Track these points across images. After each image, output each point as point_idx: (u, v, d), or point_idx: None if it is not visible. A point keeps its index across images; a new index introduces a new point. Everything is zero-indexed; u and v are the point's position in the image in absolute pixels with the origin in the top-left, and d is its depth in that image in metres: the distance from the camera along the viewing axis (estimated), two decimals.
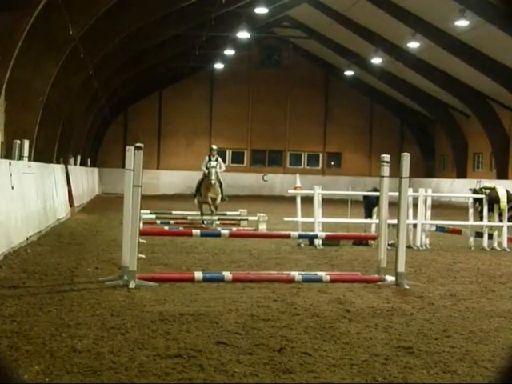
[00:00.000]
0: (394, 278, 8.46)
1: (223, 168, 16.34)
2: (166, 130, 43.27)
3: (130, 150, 8.05)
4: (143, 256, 9.71)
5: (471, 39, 29.29)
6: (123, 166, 8.23)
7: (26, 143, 13.86)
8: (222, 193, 15.95)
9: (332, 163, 45.44)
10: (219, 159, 16.30)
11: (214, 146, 16.70)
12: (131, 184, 7.92)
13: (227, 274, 8.38)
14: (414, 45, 30.40)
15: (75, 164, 25.68)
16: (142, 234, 9.06)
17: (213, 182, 15.52)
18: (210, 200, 15.76)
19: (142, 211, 13.00)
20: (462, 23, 26.29)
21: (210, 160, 16.03)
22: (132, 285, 7.66)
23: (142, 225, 12.17)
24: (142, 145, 7.97)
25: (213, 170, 15.66)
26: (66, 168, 20.19)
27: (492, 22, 26.23)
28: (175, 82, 42.72)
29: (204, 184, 15.90)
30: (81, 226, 15.63)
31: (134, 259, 7.82)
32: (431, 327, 6.15)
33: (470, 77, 33.36)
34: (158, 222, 15.56)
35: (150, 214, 15.94)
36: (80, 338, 5.34)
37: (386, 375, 4.66)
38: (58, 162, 20.98)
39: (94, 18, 18.07)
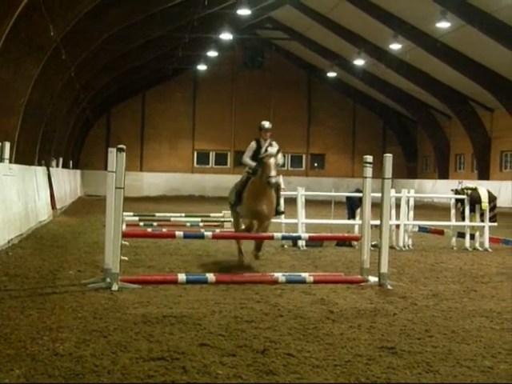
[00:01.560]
0: (377, 279, 8.49)
1: (282, 159, 9.87)
2: (149, 132, 43.13)
3: (112, 151, 8.01)
4: (126, 258, 9.68)
5: (452, 41, 29.52)
6: (106, 168, 8.18)
7: (7, 145, 13.73)
8: (278, 202, 9.96)
9: (315, 164, 45.55)
10: (275, 145, 9.90)
11: (267, 124, 10.00)
12: (114, 186, 7.88)
13: (210, 276, 8.37)
14: (395, 46, 30.56)
15: (57, 166, 25.50)
16: (125, 236, 9.01)
17: (273, 180, 9.11)
18: (256, 219, 9.72)
19: (125, 213, 12.97)
20: (444, 25, 26.48)
21: (259, 147, 9.87)
22: (115, 287, 7.62)
23: (124, 227, 12.13)
24: (124, 146, 7.93)
25: (271, 161, 9.20)
26: (48, 170, 20.04)
27: (472, 24, 26.44)
28: (158, 84, 42.62)
29: (252, 186, 9.57)
30: (63, 229, 15.52)
31: (117, 261, 7.78)
32: (414, 327, 6.18)
33: (451, 78, 33.60)
34: (142, 224, 15.47)
35: (133, 216, 15.86)
36: (62, 342, 5.29)
37: (369, 375, 4.67)
38: (39, 164, 20.82)
39: (76, 20, 17.96)
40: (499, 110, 33.53)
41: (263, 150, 9.67)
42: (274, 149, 9.65)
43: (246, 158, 9.98)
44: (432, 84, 35.50)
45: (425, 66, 34.18)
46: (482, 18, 25.99)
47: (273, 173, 9.10)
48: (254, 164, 9.72)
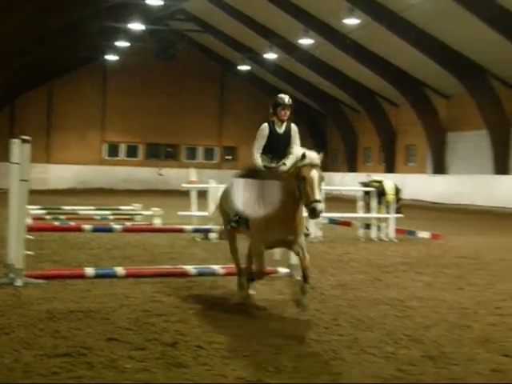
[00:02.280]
0: (287, 270, 8.61)
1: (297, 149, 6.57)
2: (56, 123, 41.85)
3: (15, 142, 7.72)
4: (31, 253, 9.35)
5: (361, 37, 30.26)
6: (9, 160, 7.86)
7: None
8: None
9: (229, 157, 45.64)
10: (294, 129, 7.10)
11: (287, 98, 7.04)
12: (17, 178, 7.60)
13: (120, 270, 8.22)
14: (306, 41, 31.02)
15: None
16: (30, 230, 8.71)
17: (319, 207, 5.98)
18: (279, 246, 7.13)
19: (31, 206, 12.54)
20: (352, 21, 27.10)
21: (275, 133, 6.89)
22: (18, 282, 7.36)
23: (30, 221, 11.73)
24: (29, 137, 7.66)
25: (315, 175, 6.08)
26: None
27: (380, 22, 27.22)
28: (66, 73, 41.36)
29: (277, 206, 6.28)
30: None
31: (21, 256, 7.51)
32: (322, 317, 6.31)
33: (359, 74, 34.48)
34: (48, 217, 15.02)
35: (39, 209, 15.37)
36: None
37: (277, 364, 4.74)
38: None
39: None
40: (404, 106, 34.72)
41: (293, 141, 6.83)
42: (312, 152, 6.23)
43: (257, 154, 6.77)
44: (341, 79, 36.30)
45: (334, 62, 34.89)
46: (389, 16, 26.79)
47: (318, 194, 6.02)
48: (259, 163, 6.70)
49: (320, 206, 5.98)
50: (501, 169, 27.95)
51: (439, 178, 31.63)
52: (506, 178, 27.21)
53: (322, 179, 6.11)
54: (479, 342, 5.51)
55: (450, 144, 32.30)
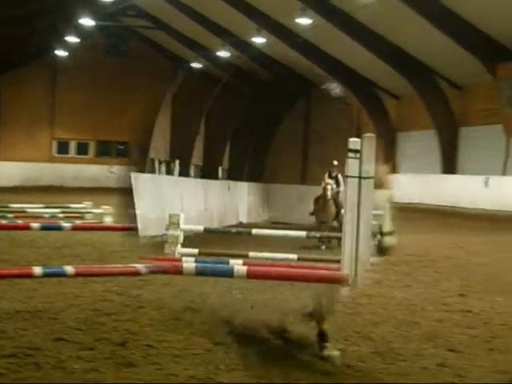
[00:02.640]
0: None
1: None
2: (4, 119, 40.89)
3: None
4: None
5: (313, 37, 30.46)
6: None
7: None
8: None
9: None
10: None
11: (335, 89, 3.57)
12: None
13: (69, 269, 8.06)
14: (259, 40, 31.11)
15: None
16: None
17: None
18: None
19: None
20: (305, 21, 27.29)
21: None
22: None
23: None
24: None
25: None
26: None
27: (332, 22, 27.45)
28: (14, 69, 40.44)
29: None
30: None
31: None
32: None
33: (313, 74, 34.70)
34: None
35: None
36: None
37: (228, 363, 4.75)
38: None
39: None
40: (357, 106, 35.10)
41: None
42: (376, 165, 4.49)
43: None
44: (295, 79, 36.45)
45: (287, 61, 35.02)
46: (342, 16, 27.02)
47: (389, 225, 4.74)
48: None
49: (390, 241, 4.60)
50: (449, 168, 28.52)
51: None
52: (453, 177, 27.78)
53: (391, 201, 4.55)
54: (426, 338, 5.63)
55: (400, 144, 32.80)
